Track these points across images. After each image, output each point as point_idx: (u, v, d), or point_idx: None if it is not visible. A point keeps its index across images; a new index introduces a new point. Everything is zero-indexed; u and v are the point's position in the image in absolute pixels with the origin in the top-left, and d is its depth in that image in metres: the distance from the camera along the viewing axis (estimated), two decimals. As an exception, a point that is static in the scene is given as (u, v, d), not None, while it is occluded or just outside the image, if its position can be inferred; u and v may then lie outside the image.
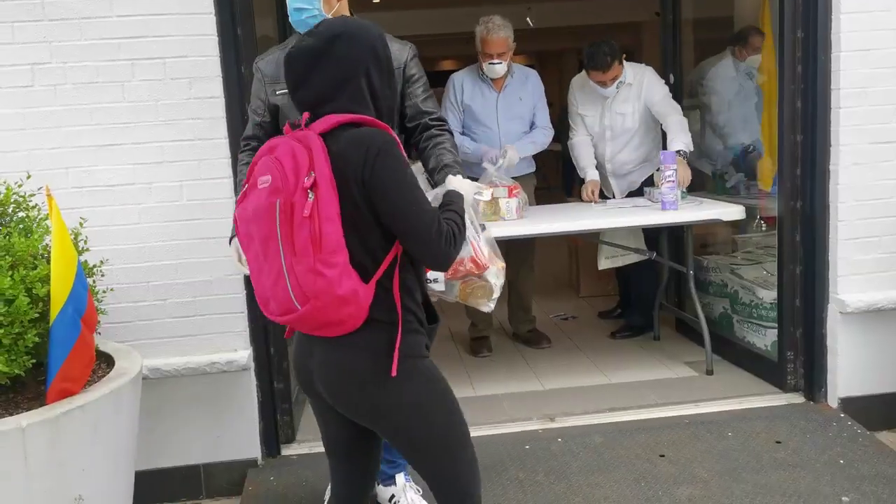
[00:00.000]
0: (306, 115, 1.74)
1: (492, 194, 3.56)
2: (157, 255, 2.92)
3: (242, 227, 1.74)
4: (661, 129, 4.22)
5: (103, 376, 2.37)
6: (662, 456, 2.93)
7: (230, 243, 2.50)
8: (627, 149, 4.17)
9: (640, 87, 4.07)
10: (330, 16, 2.38)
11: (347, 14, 2.46)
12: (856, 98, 3.06)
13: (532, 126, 4.10)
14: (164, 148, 2.87)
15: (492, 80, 4.01)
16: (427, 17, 10.77)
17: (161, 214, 2.90)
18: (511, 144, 3.90)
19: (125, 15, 2.78)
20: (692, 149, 3.96)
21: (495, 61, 3.91)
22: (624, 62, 4.08)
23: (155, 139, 2.86)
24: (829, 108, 3.11)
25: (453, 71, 4.23)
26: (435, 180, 2.52)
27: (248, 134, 2.57)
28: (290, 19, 2.41)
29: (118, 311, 2.87)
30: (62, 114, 2.81)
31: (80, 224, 2.52)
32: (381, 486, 2.75)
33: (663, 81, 4.09)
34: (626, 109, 4.12)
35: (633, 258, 4.24)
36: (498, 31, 3.88)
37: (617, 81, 4.05)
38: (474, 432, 3.19)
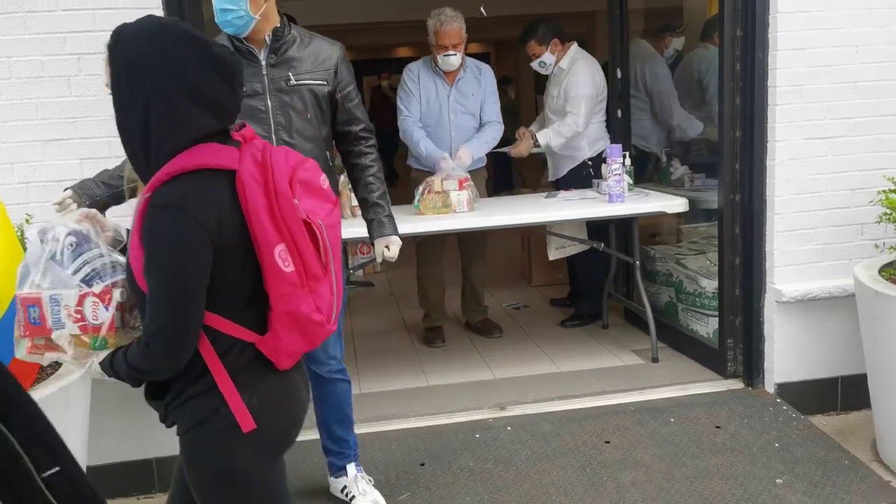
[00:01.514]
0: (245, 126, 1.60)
1: (441, 185, 3.63)
2: (107, 250, 2.91)
3: (332, 232, 1.55)
4: (608, 120, 4.35)
5: (52, 373, 2.37)
6: (608, 442, 3.03)
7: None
8: None
9: (568, 75, 4.23)
10: (258, 17, 2.38)
11: (276, 15, 2.46)
12: (791, 95, 3.18)
13: (481, 121, 4.14)
14: (112, 143, 2.84)
15: (445, 73, 4.04)
16: (384, 4, 10.75)
17: (111, 210, 2.88)
18: (465, 146, 3.95)
19: (71, 9, 2.76)
20: (549, 147, 4.23)
21: (450, 53, 3.94)
22: (571, 48, 4.31)
23: (103, 134, 2.84)
24: (766, 105, 3.22)
25: (409, 58, 4.25)
26: (366, 218, 2.66)
27: None
28: (216, 18, 2.40)
29: (67, 307, 2.85)
30: (7, 108, 2.78)
31: (27, 221, 2.51)
32: (332, 478, 2.79)
33: (590, 84, 4.21)
34: (554, 92, 4.32)
35: (582, 248, 4.35)
36: (451, 22, 3.91)
37: (538, 60, 4.31)
38: (427, 422, 3.31)
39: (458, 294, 4.54)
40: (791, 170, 3.23)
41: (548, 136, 4.24)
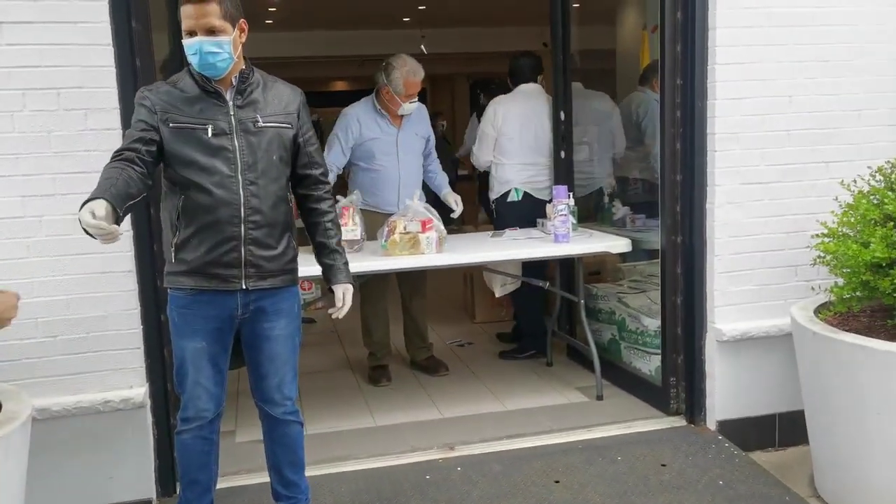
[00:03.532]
0: None
1: (405, 228, 3.63)
2: (47, 290, 2.82)
3: None
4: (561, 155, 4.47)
5: (-11, 422, 2.27)
6: (557, 482, 3.05)
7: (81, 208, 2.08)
8: None
9: None
10: (235, 58, 2.39)
11: (242, 58, 2.46)
12: (729, 142, 3.31)
13: (428, 157, 4.27)
14: (56, 180, 2.78)
15: (391, 116, 4.09)
16: (321, 38, 10.80)
17: (52, 248, 2.80)
18: (449, 192, 4.20)
19: (17, 44, 2.69)
20: None
21: (415, 101, 4.09)
22: (516, 88, 4.59)
23: (47, 171, 2.77)
24: (705, 151, 3.35)
25: (345, 92, 4.32)
26: (323, 263, 2.70)
27: (125, 146, 2.36)
28: (192, 61, 2.37)
29: (3, 349, 2.75)
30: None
31: (-33, 261, 2.42)
32: None
33: (486, 122, 4.50)
34: None
35: (519, 283, 4.44)
36: (421, 72, 4.06)
37: None
38: (376, 463, 3.28)
39: (401, 331, 4.53)
40: (729, 213, 3.35)
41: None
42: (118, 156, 2.34)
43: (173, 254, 2.46)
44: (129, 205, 2.22)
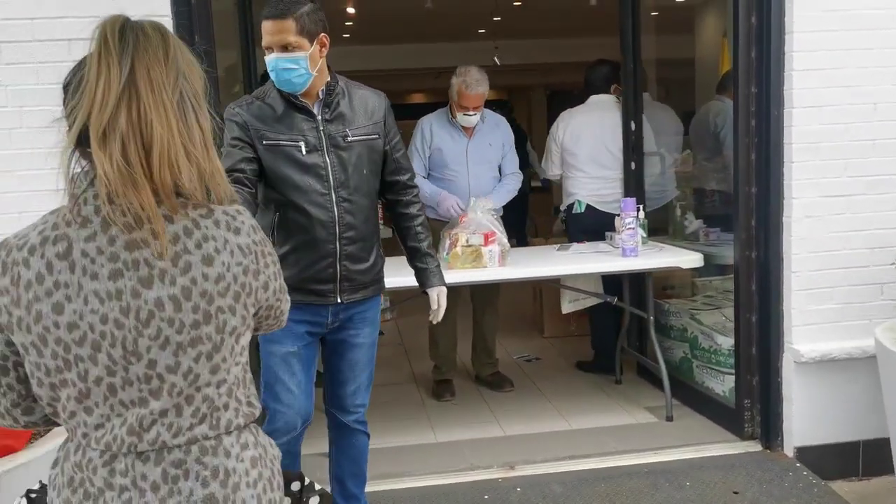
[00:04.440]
0: None
1: (467, 241, 3.57)
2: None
3: None
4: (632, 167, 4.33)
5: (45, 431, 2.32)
6: (620, 507, 2.94)
7: None
8: None
9: None
10: (314, 73, 2.35)
11: (326, 69, 2.42)
12: (807, 153, 3.14)
13: (501, 171, 4.17)
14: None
15: (462, 125, 4.06)
16: (396, 51, 10.90)
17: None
18: (488, 196, 3.96)
19: (85, 61, 2.77)
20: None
21: (470, 113, 3.99)
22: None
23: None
24: (781, 162, 3.18)
25: (423, 104, 4.28)
26: (417, 266, 2.67)
27: (231, 167, 2.29)
28: (272, 77, 2.35)
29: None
30: (16, 158, 2.77)
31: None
32: None
33: (553, 134, 4.45)
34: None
35: (594, 301, 4.29)
36: (477, 86, 3.95)
37: None
38: (434, 481, 3.23)
39: (469, 345, 4.47)
40: (808, 227, 3.17)
41: None
42: (227, 177, 2.31)
43: None
44: None
